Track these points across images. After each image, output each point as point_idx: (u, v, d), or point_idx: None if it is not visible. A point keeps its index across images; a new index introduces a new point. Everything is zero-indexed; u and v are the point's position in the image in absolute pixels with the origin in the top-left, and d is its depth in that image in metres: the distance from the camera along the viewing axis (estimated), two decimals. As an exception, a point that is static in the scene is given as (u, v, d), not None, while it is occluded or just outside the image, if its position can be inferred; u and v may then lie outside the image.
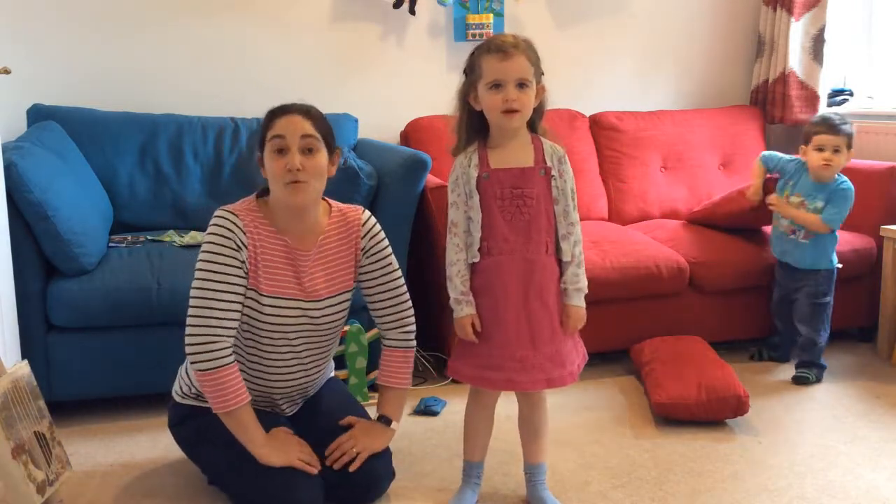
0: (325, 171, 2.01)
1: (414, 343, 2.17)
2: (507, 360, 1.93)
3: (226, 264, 1.94)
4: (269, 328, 2.01)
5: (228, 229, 1.96)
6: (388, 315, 2.14)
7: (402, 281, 2.15)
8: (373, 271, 2.12)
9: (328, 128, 2.03)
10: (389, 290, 2.13)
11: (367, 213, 2.15)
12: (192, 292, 1.95)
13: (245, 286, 1.97)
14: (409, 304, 2.16)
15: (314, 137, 1.97)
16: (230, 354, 1.95)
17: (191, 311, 1.94)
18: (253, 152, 3.20)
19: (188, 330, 1.94)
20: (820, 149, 2.88)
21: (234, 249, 1.95)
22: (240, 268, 1.96)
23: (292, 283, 2.02)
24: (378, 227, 2.14)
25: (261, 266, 1.99)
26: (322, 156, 1.99)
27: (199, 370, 1.92)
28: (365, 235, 2.11)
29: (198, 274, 1.95)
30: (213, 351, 1.92)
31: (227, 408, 1.94)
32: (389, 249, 2.14)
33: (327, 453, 2.04)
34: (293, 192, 1.96)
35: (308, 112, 2.00)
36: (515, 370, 1.93)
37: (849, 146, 2.90)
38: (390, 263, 2.13)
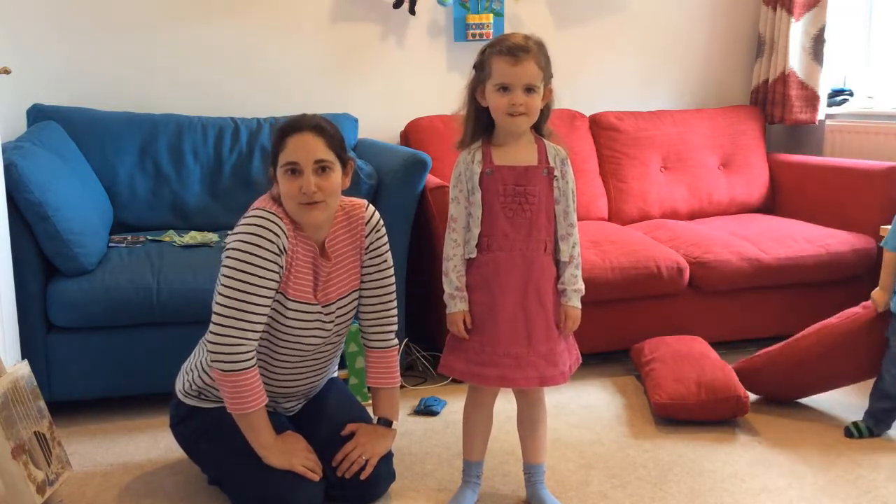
0: (339, 188, 1.99)
1: (395, 342, 2.17)
2: (502, 357, 1.94)
3: (266, 268, 1.91)
4: (289, 331, 2.01)
5: (275, 233, 1.92)
6: (372, 312, 2.13)
7: (393, 279, 2.14)
8: (369, 267, 2.12)
9: (340, 141, 2.00)
10: (380, 288, 2.12)
11: (371, 208, 2.13)
12: (225, 290, 1.90)
13: (277, 290, 1.96)
14: (395, 303, 2.15)
15: (328, 160, 1.94)
16: (252, 358, 1.93)
17: (220, 310, 1.90)
18: (253, 152, 3.21)
19: (215, 329, 1.91)
20: None
21: (276, 254, 1.92)
22: (277, 273, 1.93)
23: (312, 290, 2.02)
24: (381, 223, 2.13)
25: (292, 271, 1.98)
26: (336, 174, 1.97)
27: (220, 370, 1.91)
28: (369, 233, 2.10)
29: (233, 273, 1.90)
30: (237, 353, 1.90)
31: (243, 410, 1.93)
32: (388, 246, 2.14)
33: (334, 464, 2.04)
34: (308, 212, 1.95)
35: (320, 129, 1.95)
36: (509, 367, 1.94)
37: None
38: (386, 261, 2.13)
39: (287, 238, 1.94)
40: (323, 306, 2.04)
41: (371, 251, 2.11)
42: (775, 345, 2.68)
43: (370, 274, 2.12)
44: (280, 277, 1.95)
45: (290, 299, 1.98)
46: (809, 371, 2.61)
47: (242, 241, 1.92)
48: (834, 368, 2.59)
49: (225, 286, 1.91)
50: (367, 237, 2.10)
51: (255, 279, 1.90)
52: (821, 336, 2.58)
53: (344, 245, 2.08)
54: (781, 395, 2.71)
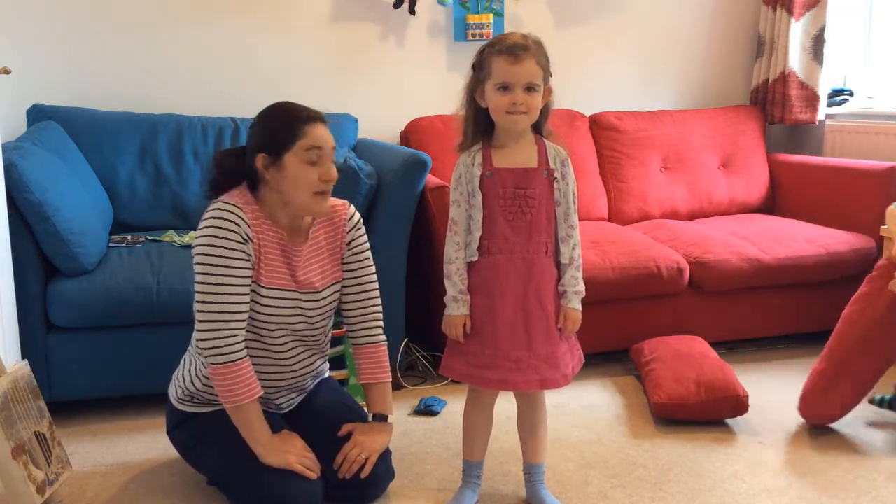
0: None
1: (382, 337, 2.18)
2: (502, 360, 1.93)
3: (234, 258, 1.93)
4: (267, 319, 2.02)
5: (234, 223, 1.94)
6: (357, 308, 2.16)
7: (375, 275, 2.18)
8: (351, 263, 2.15)
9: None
10: (363, 284, 2.16)
11: (352, 207, 2.18)
12: (201, 287, 1.93)
13: (251, 279, 1.98)
14: (379, 299, 2.18)
15: (335, 148, 2.01)
16: (243, 349, 1.95)
17: (202, 307, 1.93)
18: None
19: (200, 325, 1.93)
20: None
21: (240, 242, 1.94)
22: (247, 260, 1.96)
23: (287, 275, 2.04)
24: (361, 221, 2.18)
25: (262, 259, 1.99)
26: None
27: (214, 364, 1.92)
28: (351, 230, 2.14)
29: (204, 269, 1.93)
30: (228, 345, 1.92)
31: (238, 402, 1.94)
32: (368, 244, 2.18)
33: (335, 466, 2.04)
34: (323, 201, 2.00)
35: (326, 121, 2.02)
36: (510, 370, 1.93)
37: None
38: (368, 258, 2.17)
39: (249, 226, 1.96)
40: (303, 293, 2.05)
41: (353, 247, 2.14)
42: (817, 365, 2.52)
43: (352, 270, 2.15)
44: (251, 265, 1.97)
45: (263, 286, 2.00)
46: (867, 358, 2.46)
47: (206, 236, 1.94)
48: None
49: (200, 283, 1.93)
50: (348, 233, 2.14)
51: (225, 270, 1.92)
52: (859, 327, 2.46)
53: (325, 236, 2.11)
54: (857, 399, 2.51)
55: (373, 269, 2.18)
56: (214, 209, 1.97)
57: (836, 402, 2.50)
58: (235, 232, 1.94)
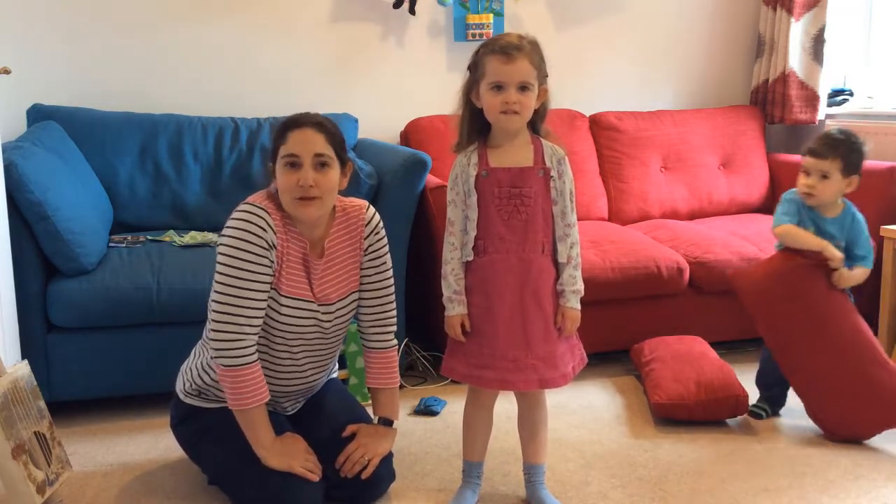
0: (337, 186, 2.00)
1: (394, 342, 2.17)
2: (500, 360, 1.94)
3: (257, 262, 1.92)
4: (284, 328, 2.01)
5: (262, 227, 1.93)
6: (372, 313, 2.14)
7: (392, 281, 2.15)
8: (368, 269, 2.12)
9: (341, 141, 2.01)
10: (380, 290, 2.13)
11: (371, 209, 2.13)
12: (219, 287, 1.93)
13: (271, 285, 1.97)
14: (394, 304, 2.16)
15: (327, 155, 1.95)
16: (254, 353, 1.95)
17: (217, 307, 1.93)
18: (253, 152, 3.21)
19: (214, 326, 1.93)
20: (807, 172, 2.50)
21: (265, 249, 1.93)
22: (269, 267, 1.95)
23: (306, 285, 2.02)
24: (381, 224, 2.13)
25: (284, 266, 1.98)
26: (334, 172, 1.98)
27: (223, 366, 1.93)
28: (369, 235, 2.11)
29: (224, 269, 1.92)
30: (238, 349, 1.92)
31: (245, 405, 1.94)
32: (387, 248, 2.14)
33: (337, 465, 2.04)
34: (304, 207, 1.95)
35: (321, 125, 1.97)
36: (509, 370, 1.93)
37: (846, 171, 2.45)
38: (385, 262, 2.13)
39: (275, 233, 1.95)
40: (320, 305, 2.04)
41: (370, 253, 2.11)
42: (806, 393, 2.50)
43: (369, 276, 2.12)
44: (272, 272, 1.96)
45: (283, 295, 1.99)
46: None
47: (231, 237, 1.93)
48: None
49: (218, 283, 1.93)
50: (366, 239, 2.10)
51: (246, 274, 1.92)
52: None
53: (343, 246, 2.08)
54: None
55: (390, 273, 2.14)
56: (244, 210, 1.96)
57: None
58: (262, 237, 1.93)
